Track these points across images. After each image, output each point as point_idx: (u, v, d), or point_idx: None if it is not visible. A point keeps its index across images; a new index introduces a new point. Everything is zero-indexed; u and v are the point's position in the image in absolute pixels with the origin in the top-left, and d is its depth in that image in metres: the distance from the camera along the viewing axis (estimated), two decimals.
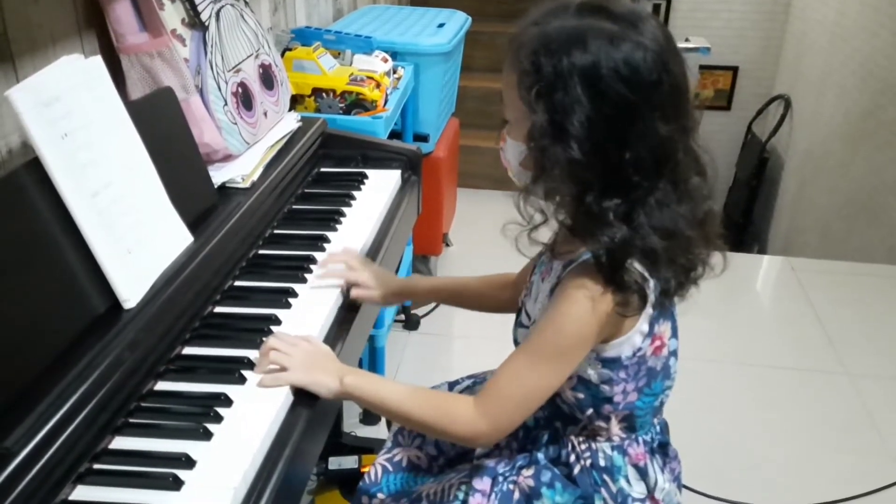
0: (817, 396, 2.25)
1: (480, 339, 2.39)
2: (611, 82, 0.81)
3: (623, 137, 0.82)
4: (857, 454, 2.02)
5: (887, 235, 3.11)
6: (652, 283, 0.88)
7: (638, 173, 0.83)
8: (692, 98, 0.89)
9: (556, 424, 1.02)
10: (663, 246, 0.85)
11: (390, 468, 1.13)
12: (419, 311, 2.56)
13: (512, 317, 1.07)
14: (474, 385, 1.19)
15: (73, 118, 0.94)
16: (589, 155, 0.82)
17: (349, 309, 1.17)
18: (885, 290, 2.84)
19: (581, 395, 0.96)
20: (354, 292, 1.18)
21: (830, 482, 1.91)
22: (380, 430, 2.01)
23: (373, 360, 2.08)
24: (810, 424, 2.14)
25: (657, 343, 0.94)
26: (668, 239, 0.86)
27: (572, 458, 0.99)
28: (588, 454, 0.99)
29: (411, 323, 2.51)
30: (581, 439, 1.00)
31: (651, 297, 0.89)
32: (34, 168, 0.88)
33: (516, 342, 1.04)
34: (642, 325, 0.92)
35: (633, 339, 0.92)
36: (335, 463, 1.74)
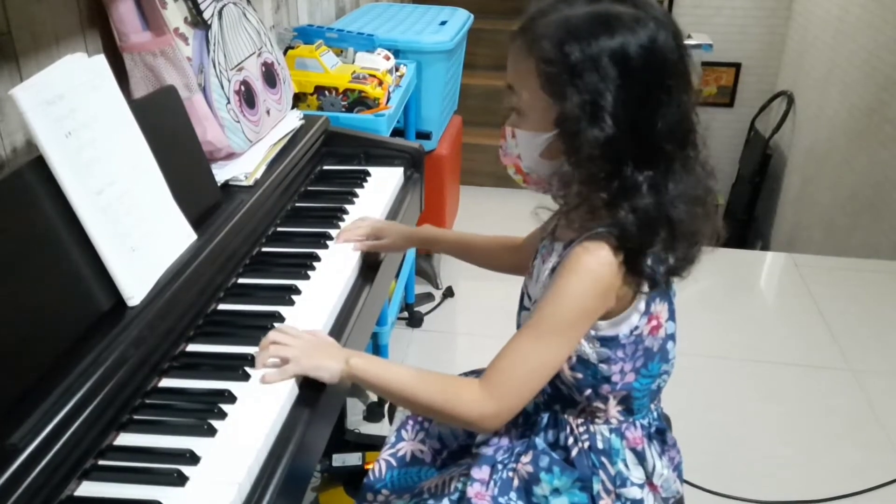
0: (821, 392, 2.25)
1: (484, 336, 2.40)
2: (641, 61, 0.84)
3: (655, 108, 0.85)
4: (860, 450, 2.02)
5: (891, 231, 3.10)
6: (655, 262, 0.90)
7: (670, 142, 0.87)
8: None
9: (555, 407, 1.02)
10: (686, 216, 0.88)
11: (394, 463, 1.14)
12: (422, 309, 2.57)
13: (515, 310, 1.07)
14: None
15: (77, 116, 0.94)
16: (625, 130, 0.85)
17: (353, 305, 1.18)
18: (888, 286, 2.84)
19: (580, 375, 0.96)
20: (368, 244, 1.27)
21: (834, 478, 1.91)
22: (383, 428, 2.02)
23: None
24: (814, 420, 2.14)
25: (654, 322, 0.95)
26: (690, 208, 0.88)
27: (570, 440, 1.00)
28: (586, 436, 0.99)
29: (415, 320, 2.51)
30: (579, 422, 1.00)
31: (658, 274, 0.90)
32: (38, 166, 0.89)
33: (520, 327, 1.04)
34: (639, 303, 0.93)
35: (630, 318, 0.93)
36: (339, 460, 1.75)
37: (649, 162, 0.87)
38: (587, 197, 0.89)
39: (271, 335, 0.98)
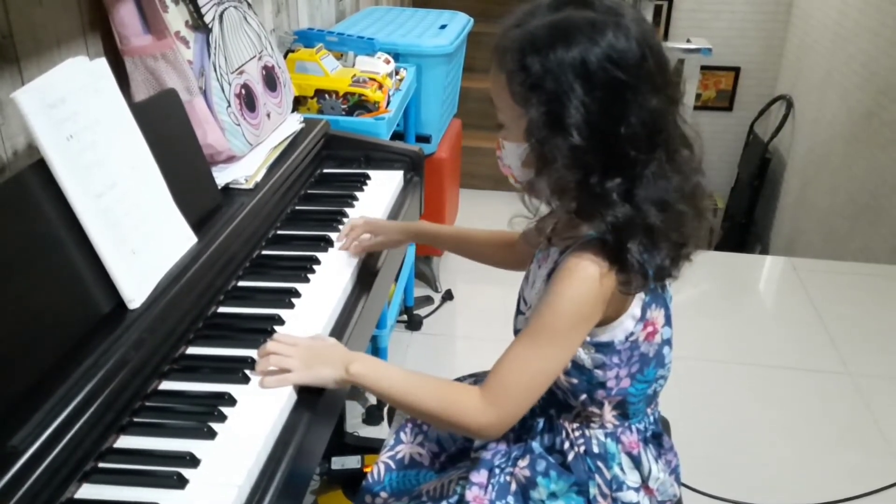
0: (819, 396, 2.25)
1: (483, 339, 2.40)
2: (600, 67, 0.84)
3: (618, 115, 0.85)
4: (859, 454, 2.02)
5: (889, 235, 3.11)
6: (645, 264, 0.89)
7: (635, 147, 0.86)
8: (674, 71, 0.91)
9: (550, 412, 1.03)
10: (661, 219, 0.87)
11: (393, 465, 1.14)
12: (422, 312, 2.57)
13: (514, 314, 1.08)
14: (476, 383, 1.19)
15: (79, 120, 0.95)
16: (588, 139, 0.85)
17: (352, 308, 1.18)
18: (886, 290, 2.84)
19: (575, 381, 0.97)
20: (367, 244, 1.28)
21: (833, 482, 1.91)
22: (382, 431, 2.02)
23: None
24: (812, 424, 2.14)
25: (649, 329, 0.95)
26: (664, 212, 0.88)
27: (566, 445, 1.00)
28: (582, 441, 1.00)
29: (414, 323, 2.51)
30: (575, 426, 1.01)
31: (650, 278, 0.90)
32: (40, 169, 0.89)
33: (516, 332, 1.04)
34: (634, 309, 0.93)
35: (625, 324, 0.93)
36: (338, 463, 1.75)
37: (617, 168, 0.87)
38: (559, 206, 0.91)
39: (270, 346, 0.97)
